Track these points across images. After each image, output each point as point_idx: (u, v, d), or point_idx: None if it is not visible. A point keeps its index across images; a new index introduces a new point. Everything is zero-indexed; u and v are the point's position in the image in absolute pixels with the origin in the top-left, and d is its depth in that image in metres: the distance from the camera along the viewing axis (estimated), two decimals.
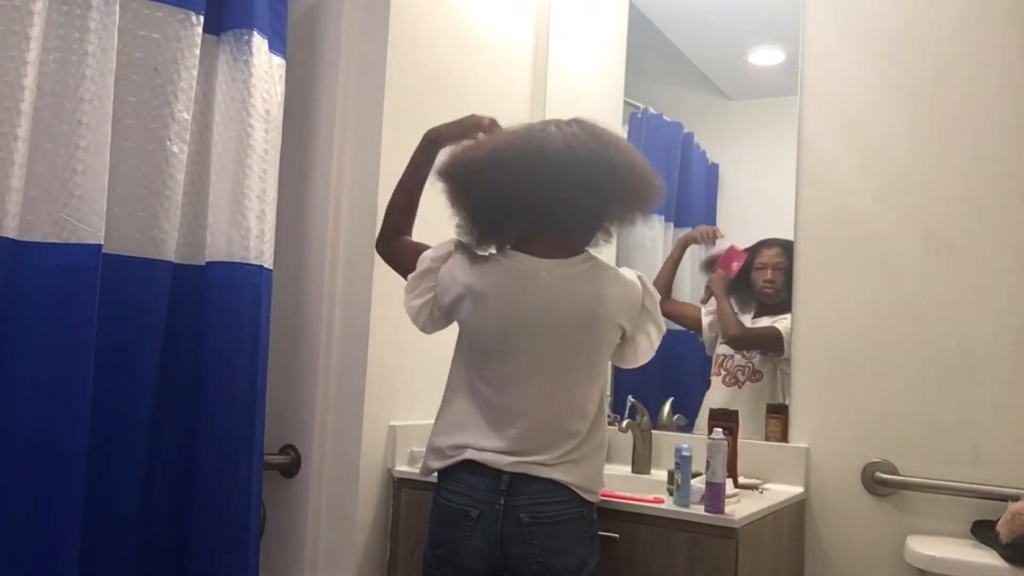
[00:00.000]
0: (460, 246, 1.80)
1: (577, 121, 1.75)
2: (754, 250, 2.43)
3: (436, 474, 1.78)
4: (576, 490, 1.68)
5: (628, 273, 1.80)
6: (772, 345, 2.35)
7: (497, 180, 1.70)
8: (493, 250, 1.80)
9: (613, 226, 1.79)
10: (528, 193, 1.69)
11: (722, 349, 2.47)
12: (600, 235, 1.79)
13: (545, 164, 1.67)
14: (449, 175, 1.77)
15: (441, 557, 1.71)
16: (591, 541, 1.71)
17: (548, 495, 1.66)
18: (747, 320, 2.44)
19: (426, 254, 1.82)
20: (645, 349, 1.81)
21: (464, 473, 1.71)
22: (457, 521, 1.70)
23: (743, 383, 2.40)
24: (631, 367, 1.84)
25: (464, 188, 1.75)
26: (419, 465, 2.19)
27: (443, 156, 1.82)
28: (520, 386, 1.72)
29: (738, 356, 2.42)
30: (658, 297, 1.81)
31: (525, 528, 1.65)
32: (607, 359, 1.80)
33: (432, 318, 1.82)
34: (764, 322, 2.40)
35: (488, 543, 1.67)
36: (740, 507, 1.85)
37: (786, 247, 2.35)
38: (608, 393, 2.55)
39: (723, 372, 2.44)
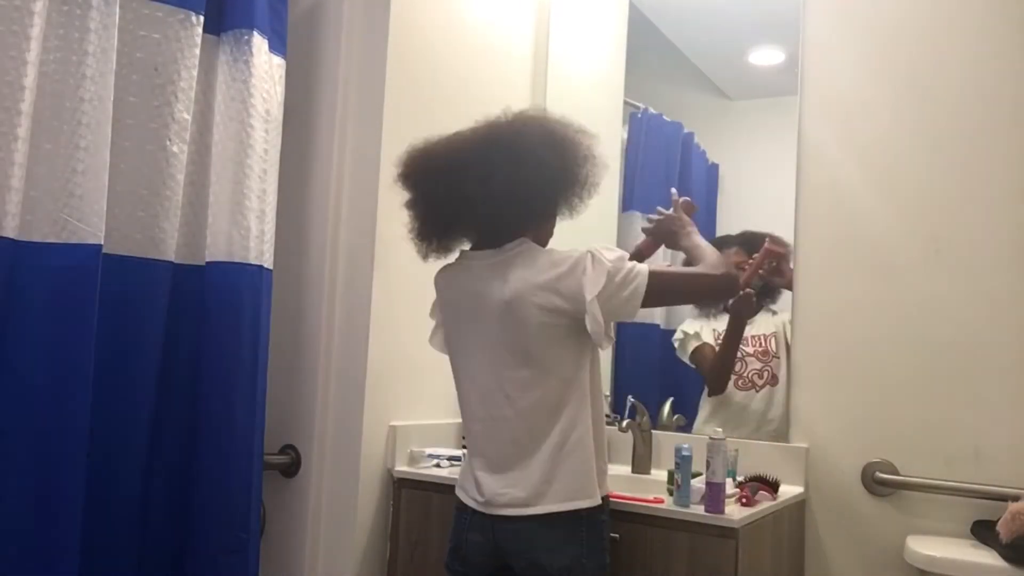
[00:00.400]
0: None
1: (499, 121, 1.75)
2: (723, 244, 2.41)
3: None
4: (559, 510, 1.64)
5: (574, 251, 1.68)
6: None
7: (418, 192, 1.77)
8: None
9: (541, 201, 1.72)
10: (428, 202, 1.75)
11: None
12: (531, 219, 1.73)
13: (434, 173, 1.72)
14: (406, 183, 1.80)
15: (452, 550, 1.78)
16: (588, 542, 1.66)
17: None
18: (721, 322, 2.44)
19: None
20: (591, 328, 1.62)
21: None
22: (459, 515, 1.77)
23: (761, 387, 2.38)
24: (603, 349, 1.75)
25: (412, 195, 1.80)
26: (419, 465, 2.21)
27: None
28: (473, 384, 1.75)
29: (753, 361, 2.40)
30: (607, 267, 1.63)
31: (513, 523, 1.67)
32: (554, 348, 1.67)
33: (437, 338, 1.89)
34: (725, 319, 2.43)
35: (484, 536, 1.70)
36: (739, 507, 1.84)
37: (745, 243, 2.38)
38: (607, 393, 2.57)
39: (734, 376, 2.43)
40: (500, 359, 1.70)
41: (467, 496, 1.76)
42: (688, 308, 2.50)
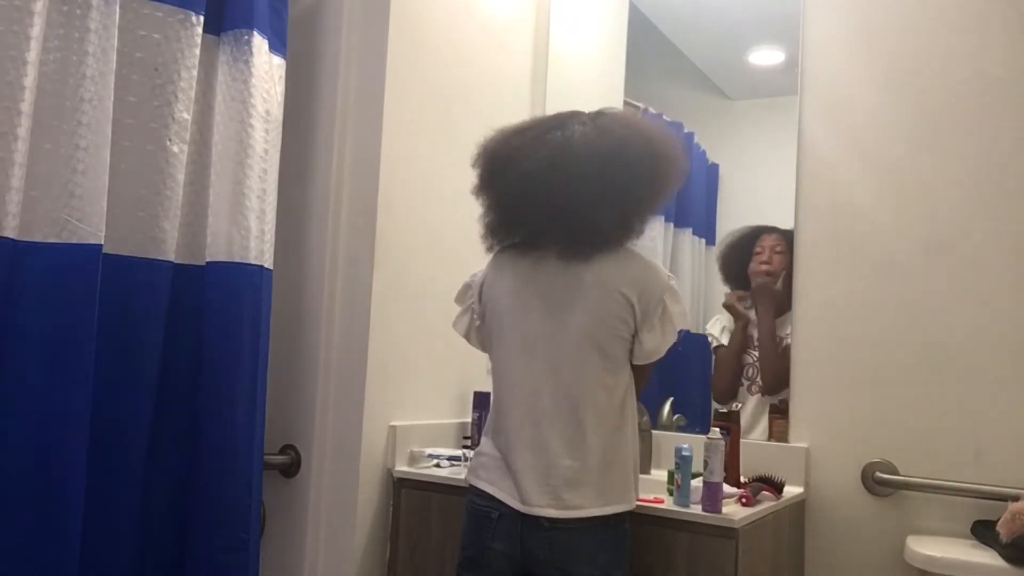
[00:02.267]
0: (493, 258, 1.85)
1: (596, 115, 1.74)
2: (751, 236, 2.41)
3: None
4: (600, 514, 1.65)
5: (660, 267, 1.77)
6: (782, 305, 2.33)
7: (503, 184, 1.74)
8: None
9: (638, 218, 1.74)
10: (520, 193, 1.71)
11: (746, 359, 2.43)
12: (624, 232, 1.74)
13: (537, 163, 1.68)
14: (482, 167, 1.79)
15: (469, 559, 1.72)
16: (616, 551, 1.67)
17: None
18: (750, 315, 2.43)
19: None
20: (648, 345, 1.71)
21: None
22: (481, 523, 1.71)
23: (778, 390, 2.37)
24: (641, 363, 1.76)
25: (488, 184, 1.78)
26: (419, 465, 2.21)
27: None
28: (527, 388, 1.71)
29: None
30: (681, 298, 1.74)
31: (545, 532, 1.63)
32: (618, 346, 1.70)
33: (474, 327, 1.86)
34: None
35: (510, 545, 1.66)
36: (739, 506, 1.84)
37: (787, 235, 2.35)
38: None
39: (746, 382, 2.42)
40: (574, 355, 1.68)
41: (502, 493, 1.69)
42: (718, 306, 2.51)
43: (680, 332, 1.76)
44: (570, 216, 1.68)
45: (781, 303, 2.37)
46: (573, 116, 1.74)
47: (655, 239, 2.59)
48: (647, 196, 1.72)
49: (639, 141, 1.70)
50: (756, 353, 2.40)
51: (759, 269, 2.39)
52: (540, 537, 1.64)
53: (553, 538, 1.63)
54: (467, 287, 1.89)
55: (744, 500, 1.86)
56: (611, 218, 1.69)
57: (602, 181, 1.65)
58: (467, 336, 1.88)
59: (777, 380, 2.33)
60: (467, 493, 1.80)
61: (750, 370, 2.41)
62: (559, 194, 1.67)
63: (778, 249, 2.36)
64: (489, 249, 1.83)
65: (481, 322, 1.83)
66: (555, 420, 1.68)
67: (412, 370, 2.25)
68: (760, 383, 2.37)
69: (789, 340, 2.33)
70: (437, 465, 2.19)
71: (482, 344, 1.86)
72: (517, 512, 1.66)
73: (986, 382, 2.07)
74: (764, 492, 1.95)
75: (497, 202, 1.77)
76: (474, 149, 1.79)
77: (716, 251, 2.50)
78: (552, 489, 1.64)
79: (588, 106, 1.82)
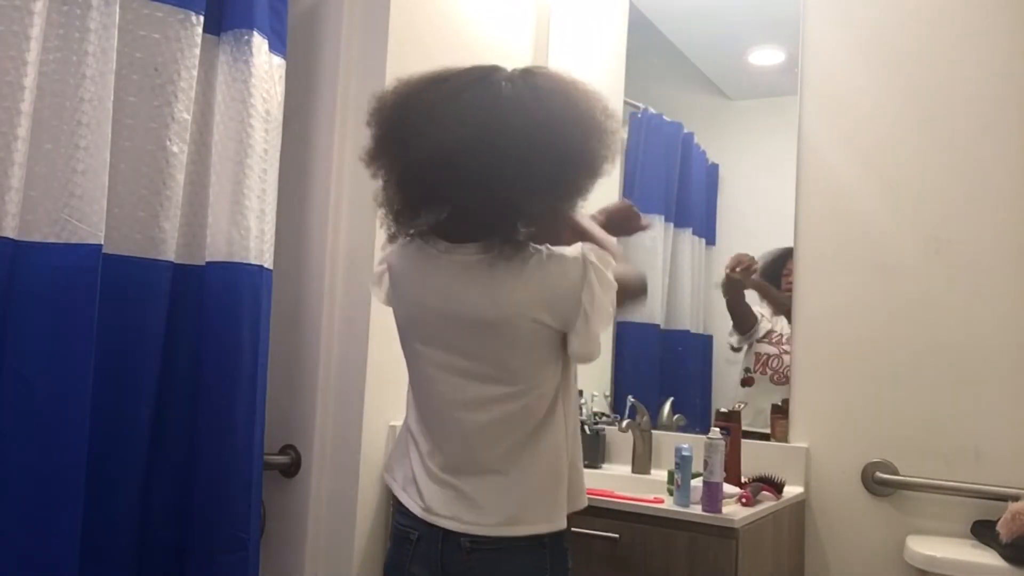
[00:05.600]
0: (399, 249, 1.56)
1: (520, 76, 1.42)
2: (783, 258, 2.40)
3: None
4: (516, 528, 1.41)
5: (568, 252, 1.43)
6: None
7: (413, 151, 1.40)
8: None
9: (550, 206, 1.44)
10: (414, 170, 1.41)
11: (765, 348, 2.44)
12: (538, 213, 1.41)
13: (430, 140, 1.36)
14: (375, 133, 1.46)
15: None
16: (554, 573, 1.44)
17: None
18: (782, 323, 2.42)
19: None
20: (579, 350, 1.44)
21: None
22: (401, 544, 1.51)
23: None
24: (580, 364, 1.53)
25: (389, 148, 1.45)
26: None
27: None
28: (433, 392, 1.48)
29: (786, 356, 2.40)
30: (608, 277, 1.42)
31: (466, 555, 1.41)
32: (537, 361, 1.44)
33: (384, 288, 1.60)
34: (783, 322, 2.40)
35: (429, 570, 1.44)
36: (739, 506, 1.85)
37: None
38: (608, 394, 2.57)
39: (769, 371, 2.42)
40: (469, 371, 1.44)
41: (411, 501, 1.48)
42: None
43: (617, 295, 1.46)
44: (497, 201, 1.37)
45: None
46: (495, 70, 1.42)
47: (655, 239, 2.59)
48: (580, 186, 1.43)
49: (558, 96, 1.42)
50: (782, 347, 2.40)
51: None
52: (460, 563, 1.43)
53: (473, 563, 1.42)
54: (382, 269, 1.60)
55: (744, 500, 1.86)
56: (540, 209, 1.41)
57: (537, 162, 1.35)
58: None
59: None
60: None
61: (774, 361, 2.41)
62: (487, 171, 1.34)
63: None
64: (392, 239, 1.52)
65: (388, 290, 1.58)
66: (457, 436, 1.46)
67: None
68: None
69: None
70: None
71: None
72: (434, 532, 1.45)
73: (986, 382, 2.07)
74: (764, 492, 1.95)
75: (403, 175, 1.42)
76: (370, 101, 1.46)
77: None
78: (460, 509, 1.43)
79: None
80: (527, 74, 1.44)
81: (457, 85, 1.40)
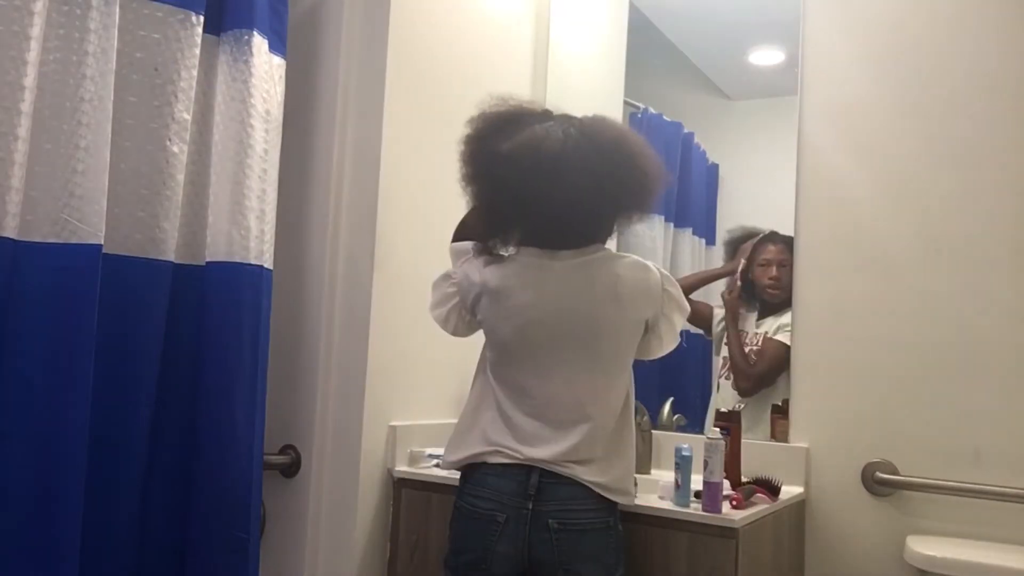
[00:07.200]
0: (474, 250, 1.84)
1: (580, 121, 1.76)
2: (757, 245, 2.42)
3: (459, 478, 1.79)
4: (604, 493, 1.67)
5: (642, 260, 1.80)
6: (783, 367, 2.33)
7: (498, 180, 1.73)
8: (507, 251, 1.83)
9: (617, 222, 1.81)
10: (521, 196, 1.71)
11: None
12: (606, 231, 1.81)
13: (538, 169, 1.67)
14: (469, 166, 1.78)
15: (469, 563, 1.70)
16: (617, 552, 1.70)
17: (576, 501, 1.66)
18: (751, 321, 2.43)
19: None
20: (669, 337, 1.81)
21: (490, 477, 1.71)
22: (484, 526, 1.69)
23: (753, 393, 2.37)
24: (656, 357, 1.84)
25: (477, 182, 1.78)
26: (419, 465, 2.21)
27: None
28: (542, 382, 1.72)
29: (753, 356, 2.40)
30: (676, 282, 1.81)
31: (553, 534, 1.64)
32: (631, 350, 1.79)
33: (463, 320, 1.86)
34: (768, 323, 2.38)
35: (516, 548, 1.66)
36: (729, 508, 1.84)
37: (788, 242, 2.34)
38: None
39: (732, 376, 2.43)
40: (584, 356, 1.72)
41: (502, 452, 1.71)
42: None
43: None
44: (567, 223, 1.73)
45: (767, 305, 2.39)
46: (568, 119, 1.76)
47: (655, 239, 2.59)
48: (636, 209, 1.79)
49: (632, 137, 1.77)
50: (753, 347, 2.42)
51: (765, 283, 2.39)
52: (547, 539, 1.65)
53: (561, 538, 1.65)
54: (453, 282, 1.87)
55: (734, 503, 1.84)
56: (597, 216, 1.77)
57: (597, 192, 1.69)
58: (455, 330, 1.89)
59: (753, 385, 2.38)
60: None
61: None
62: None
63: (784, 264, 2.36)
64: (490, 251, 1.82)
65: (472, 317, 1.84)
66: (559, 422, 1.72)
67: (412, 370, 2.25)
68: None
69: (758, 345, 2.38)
70: (437, 465, 2.19)
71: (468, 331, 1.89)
72: (522, 515, 1.66)
73: (986, 382, 2.07)
74: (758, 495, 1.94)
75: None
76: (463, 128, 1.78)
77: (723, 239, 2.51)
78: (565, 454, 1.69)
79: (588, 105, 1.83)
80: (581, 122, 1.77)
81: (569, 142, 1.69)
